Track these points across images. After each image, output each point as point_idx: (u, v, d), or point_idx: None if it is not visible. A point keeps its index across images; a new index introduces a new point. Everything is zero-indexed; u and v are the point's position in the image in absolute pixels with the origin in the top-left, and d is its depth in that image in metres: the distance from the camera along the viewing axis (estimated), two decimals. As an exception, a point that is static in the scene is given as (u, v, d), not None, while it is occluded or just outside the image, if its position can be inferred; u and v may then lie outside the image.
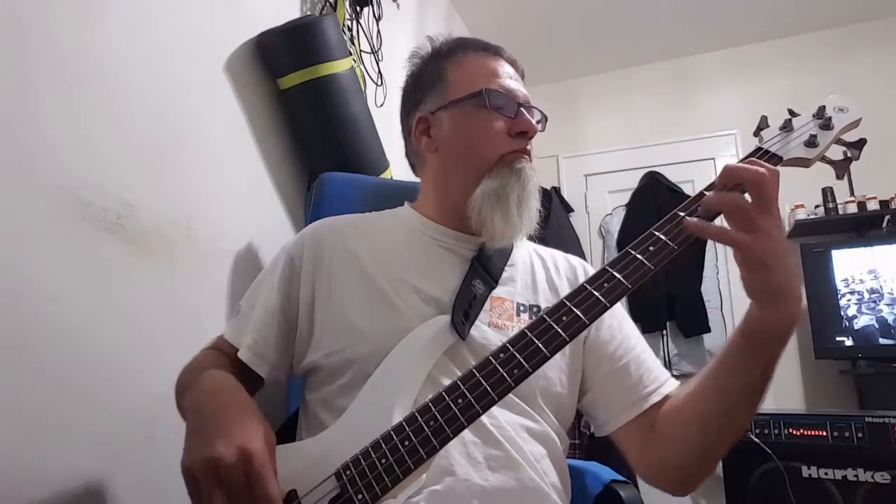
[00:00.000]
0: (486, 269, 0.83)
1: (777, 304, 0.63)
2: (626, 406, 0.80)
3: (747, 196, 0.62)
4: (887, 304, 2.41)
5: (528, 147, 0.85)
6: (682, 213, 0.64)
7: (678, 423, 0.76)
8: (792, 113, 0.77)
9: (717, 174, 0.65)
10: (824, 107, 0.76)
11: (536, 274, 0.89)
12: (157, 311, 0.98)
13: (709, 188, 0.66)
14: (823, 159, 0.76)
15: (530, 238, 0.89)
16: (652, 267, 0.62)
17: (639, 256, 0.63)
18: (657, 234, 0.64)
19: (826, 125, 0.74)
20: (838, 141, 0.76)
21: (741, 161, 0.65)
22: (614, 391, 0.82)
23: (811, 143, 0.73)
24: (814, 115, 0.76)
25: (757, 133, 0.76)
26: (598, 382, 0.84)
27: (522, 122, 0.84)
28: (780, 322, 0.64)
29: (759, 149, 0.70)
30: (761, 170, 0.61)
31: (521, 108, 0.85)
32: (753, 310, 0.65)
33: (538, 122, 0.88)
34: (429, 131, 0.89)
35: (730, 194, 0.61)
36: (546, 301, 0.85)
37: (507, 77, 0.87)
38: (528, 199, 0.82)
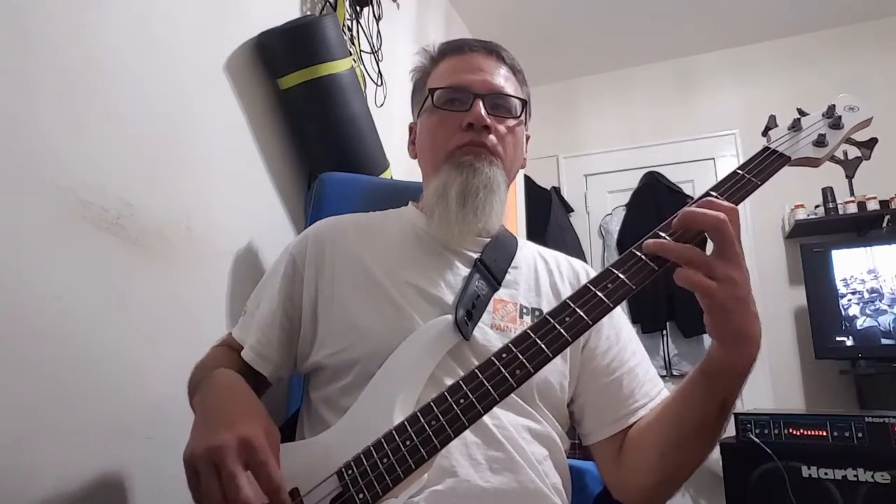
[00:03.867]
0: (489, 270, 0.83)
1: (739, 346, 0.63)
2: (612, 420, 0.80)
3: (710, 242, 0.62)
4: (887, 304, 2.41)
5: (486, 140, 0.83)
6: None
7: (640, 449, 0.77)
8: (801, 112, 0.76)
9: (716, 175, 0.64)
10: (834, 106, 0.75)
11: (540, 277, 0.88)
12: (157, 311, 0.98)
13: (706, 194, 0.65)
14: (832, 159, 0.75)
15: (532, 239, 0.89)
16: (656, 268, 0.62)
17: (643, 257, 0.63)
18: (662, 234, 0.63)
19: (836, 124, 0.74)
20: (848, 140, 0.75)
21: (700, 199, 0.64)
22: (604, 403, 0.82)
23: (820, 142, 0.72)
24: (823, 115, 0.75)
25: (765, 133, 0.75)
26: (590, 392, 0.83)
27: (468, 115, 0.82)
28: (740, 362, 0.64)
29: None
30: (721, 214, 0.60)
31: (477, 100, 0.83)
32: (714, 350, 0.65)
33: (515, 118, 0.86)
34: (415, 139, 0.95)
35: (688, 248, 0.60)
36: (549, 305, 0.85)
37: (465, 71, 0.86)
38: (475, 193, 0.81)
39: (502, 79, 0.87)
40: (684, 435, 0.71)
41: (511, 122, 0.87)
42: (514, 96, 0.87)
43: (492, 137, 0.83)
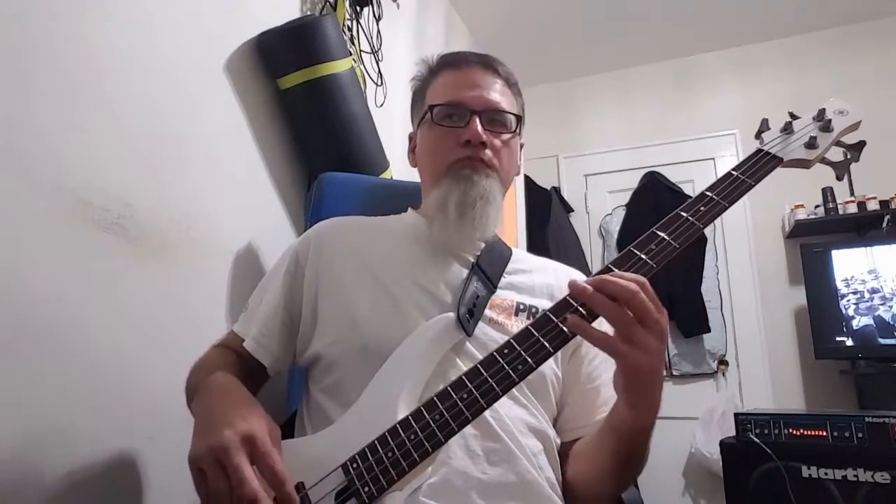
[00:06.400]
0: (485, 272, 0.86)
1: (644, 409, 0.66)
2: (583, 424, 0.83)
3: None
4: (886, 304, 2.41)
5: (483, 155, 0.86)
6: (684, 214, 0.68)
7: (576, 465, 0.81)
8: (792, 115, 0.80)
9: (716, 175, 0.66)
10: (824, 109, 0.79)
11: (536, 281, 0.91)
12: (157, 311, 0.98)
13: (701, 195, 0.68)
14: (823, 160, 0.79)
15: (532, 239, 0.91)
16: (654, 265, 0.64)
17: (642, 256, 0.64)
18: (660, 234, 0.65)
19: (826, 127, 0.77)
20: (838, 143, 0.79)
21: (608, 266, 0.65)
22: (579, 406, 0.85)
23: (811, 144, 0.76)
24: (814, 118, 0.79)
25: (758, 136, 0.79)
26: (570, 394, 0.86)
27: (466, 132, 0.85)
28: (642, 424, 0.68)
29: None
30: (632, 286, 0.60)
31: (474, 116, 0.86)
32: (621, 408, 0.68)
33: (510, 132, 0.89)
34: (415, 148, 0.97)
35: (611, 304, 0.61)
36: (543, 305, 0.86)
37: (462, 87, 0.89)
38: (473, 204, 0.84)
39: (498, 94, 0.90)
40: (601, 470, 0.76)
41: (506, 136, 0.90)
42: (508, 112, 0.90)
43: (488, 152, 0.87)
